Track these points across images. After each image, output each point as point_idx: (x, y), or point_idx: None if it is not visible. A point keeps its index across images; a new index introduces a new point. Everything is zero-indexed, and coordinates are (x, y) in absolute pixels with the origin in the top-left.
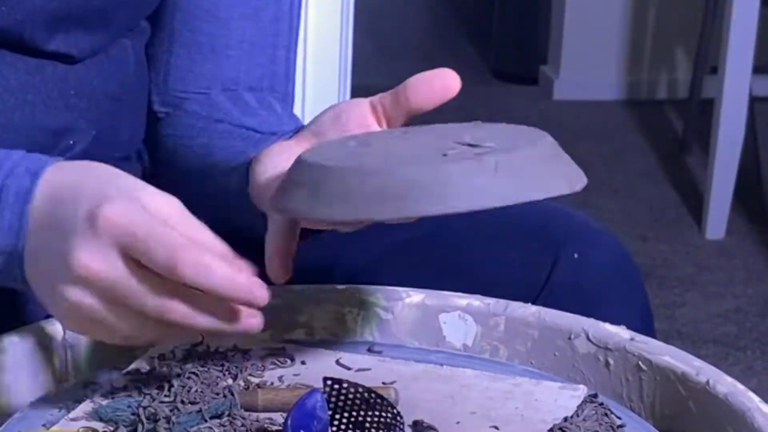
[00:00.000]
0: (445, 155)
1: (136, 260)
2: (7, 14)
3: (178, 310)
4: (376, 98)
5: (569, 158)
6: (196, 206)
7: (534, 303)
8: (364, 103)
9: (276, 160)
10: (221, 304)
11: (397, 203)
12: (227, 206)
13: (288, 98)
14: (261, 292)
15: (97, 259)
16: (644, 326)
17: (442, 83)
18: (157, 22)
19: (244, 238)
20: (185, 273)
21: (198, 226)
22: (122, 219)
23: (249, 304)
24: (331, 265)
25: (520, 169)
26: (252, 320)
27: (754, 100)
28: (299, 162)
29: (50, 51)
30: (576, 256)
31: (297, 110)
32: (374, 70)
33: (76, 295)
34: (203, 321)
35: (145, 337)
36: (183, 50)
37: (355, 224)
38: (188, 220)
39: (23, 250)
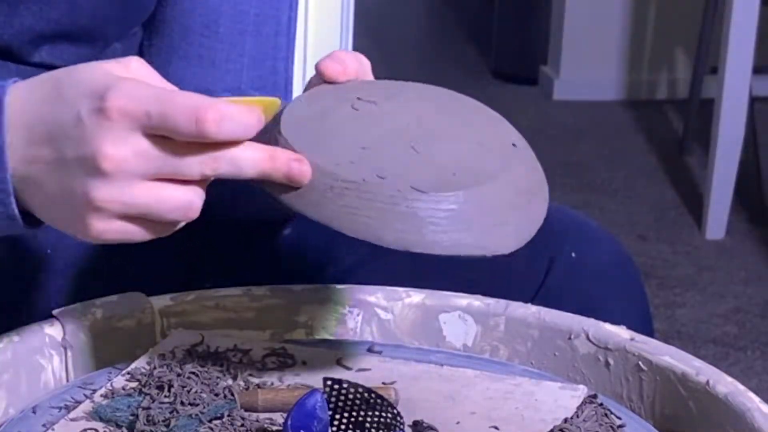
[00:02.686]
0: (418, 190)
1: (159, 135)
2: None
3: (225, 156)
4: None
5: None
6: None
7: (531, 303)
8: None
9: None
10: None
11: (364, 226)
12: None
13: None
14: (261, 115)
15: (123, 150)
16: (642, 325)
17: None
18: (154, 32)
19: (237, 233)
20: (211, 129)
21: (162, 81)
22: (132, 103)
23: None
24: (327, 263)
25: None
26: (295, 164)
27: (754, 100)
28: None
29: (35, 63)
30: (573, 255)
31: None
32: (374, 70)
33: (107, 192)
34: (249, 159)
35: (192, 208)
36: (182, 63)
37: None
38: (154, 77)
39: (11, 183)
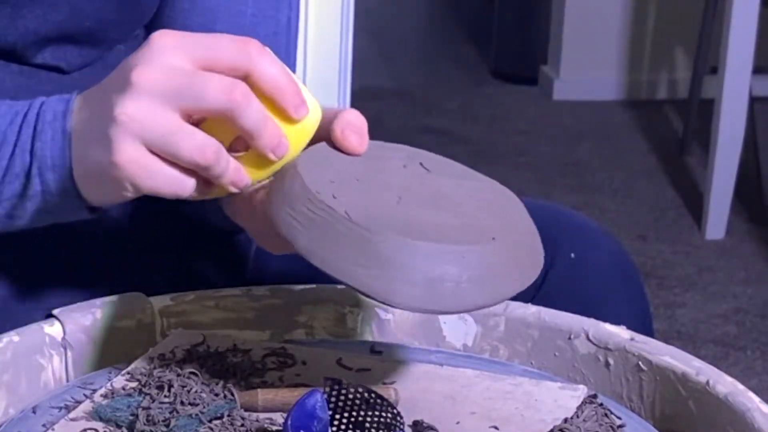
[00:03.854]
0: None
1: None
2: None
3: (240, 85)
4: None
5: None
6: (193, 203)
7: (531, 303)
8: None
9: None
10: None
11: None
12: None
13: None
14: (304, 107)
15: (155, 69)
16: (642, 325)
17: (358, 144)
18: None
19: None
20: (257, 54)
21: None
22: (179, 36)
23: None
24: None
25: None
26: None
27: (754, 100)
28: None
29: (38, 63)
30: (572, 255)
31: None
32: (374, 70)
33: (134, 107)
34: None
35: (207, 149)
36: None
37: None
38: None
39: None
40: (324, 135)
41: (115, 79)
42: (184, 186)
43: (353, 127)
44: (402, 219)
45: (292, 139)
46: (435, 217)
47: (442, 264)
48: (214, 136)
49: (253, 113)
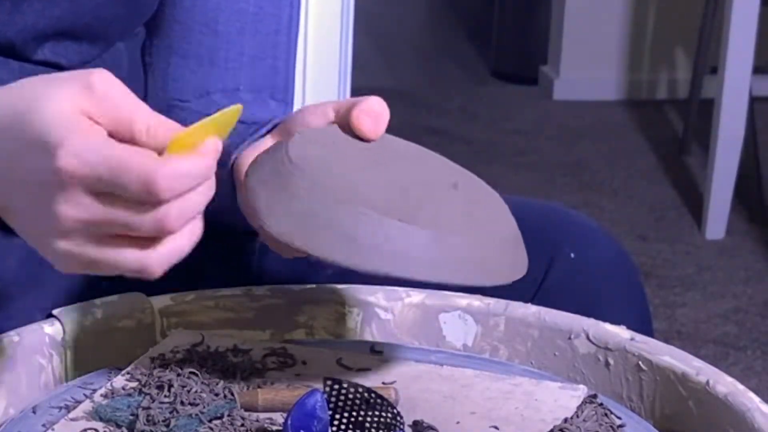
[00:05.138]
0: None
1: (111, 194)
2: None
3: (171, 212)
4: (338, 104)
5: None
6: None
7: (531, 303)
8: (328, 106)
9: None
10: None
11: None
12: (221, 201)
13: (288, 107)
14: (218, 144)
15: (76, 211)
16: (641, 325)
17: (372, 129)
18: (155, 31)
19: (237, 233)
20: (165, 195)
21: (127, 97)
22: (81, 166)
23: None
24: (329, 264)
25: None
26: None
27: (754, 100)
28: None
29: (38, 60)
30: (572, 255)
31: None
32: (374, 70)
33: (67, 245)
34: (195, 208)
35: (147, 267)
36: (182, 61)
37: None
38: (116, 95)
39: None
40: (343, 122)
41: (43, 204)
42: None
43: (371, 111)
44: (374, 196)
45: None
46: (412, 203)
47: (404, 238)
48: (185, 149)
49: (191, 209)
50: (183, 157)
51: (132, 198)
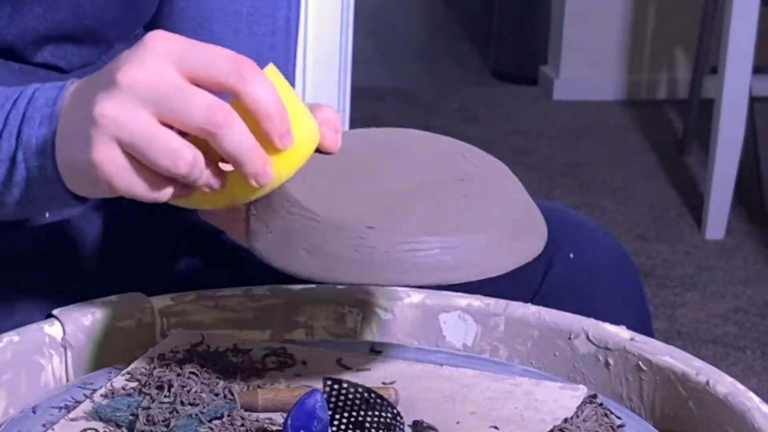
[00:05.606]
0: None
1: (189, 75)
2: None
3: (223, 109)
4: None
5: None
6: None
7: (530, 303)
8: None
9: None
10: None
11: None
12: None
13: None
14: (269, 169)
15: (140, 70)
16: (641, 325)
17: (334, 142)
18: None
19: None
20: (248, 78)
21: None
22: (173, 39)
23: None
24: None
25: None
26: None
27: (754, 100)
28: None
29: (38, 62)
30: (572, 255)
31: None
32: (374, 70)
33: (112, 108)
34: (242, 139)
35: (182, 157)
36: None
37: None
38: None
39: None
40: None
41: (105, 75)
42: (161, 191)
43: (330, 123)
44: (376, 212)
45: (280, 164)
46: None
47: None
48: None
49: (236, 138)
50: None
51: (218, 71)
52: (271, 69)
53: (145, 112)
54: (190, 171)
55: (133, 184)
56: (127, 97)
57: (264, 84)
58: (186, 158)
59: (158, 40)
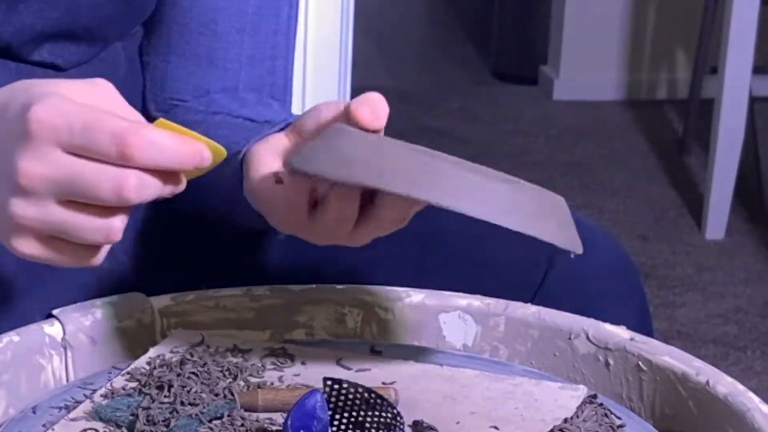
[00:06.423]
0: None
1: (80, 156)
2: None
3: (131, 178)
4: (350, 102)
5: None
6: (193, 201)
7: (530, 303)
8: (340, 103)
9: (266, 160)
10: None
11: (395, 179)
12: (223, 198)
13: (285, 105)
14: (206, 152)
15: (38, 165)
16: (641, 324)
17: (369, 117)
18: (152, 31)
19: (237, 233)
20: (135, 155)
21: (127, 108)
22: (55, 116)
23: (198, 168)
24: (329, 264)
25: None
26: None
27: (754, 100)
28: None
29: (35, 61)
30: (572, 255)
31: (297, 110)
32: (374, 70)
33: (24, 209)
34: (155, 186)
35: (113, 230)
36: (180, 61)
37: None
38: (118, 102)
39: None
40: (347, 117)
41: (7, 165)
42: (95, 255)
43: (368, 101)
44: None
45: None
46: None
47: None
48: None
49: (153, 161)
50: (162, 131)
51: (102, 154)
52: (160, 122)
53: (55, 203)
54: (120, 233)
55: (63, 261)
56: (33, 196)
57: (151, 148)
58: (114, 227)
59: (43, 121)
